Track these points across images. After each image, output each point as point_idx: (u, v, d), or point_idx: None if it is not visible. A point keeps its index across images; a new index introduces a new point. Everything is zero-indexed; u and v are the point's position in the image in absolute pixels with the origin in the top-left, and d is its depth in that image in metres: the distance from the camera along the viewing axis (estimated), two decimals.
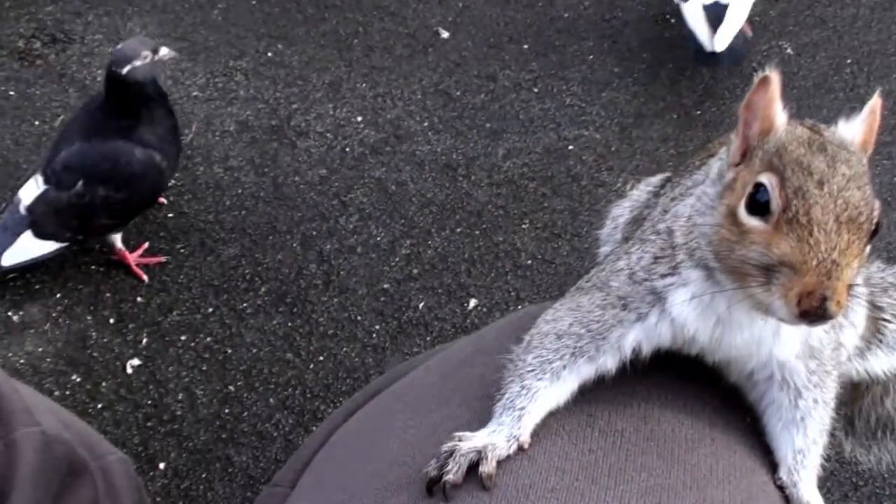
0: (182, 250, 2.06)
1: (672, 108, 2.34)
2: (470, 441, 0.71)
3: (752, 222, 0.65)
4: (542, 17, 2.56)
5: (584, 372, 0.77)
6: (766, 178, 0.66)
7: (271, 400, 1.76)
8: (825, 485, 1.66)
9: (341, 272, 2.02)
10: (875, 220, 0.67)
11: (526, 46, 2.50)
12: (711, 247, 0.69)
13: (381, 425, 0.88)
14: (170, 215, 2.12)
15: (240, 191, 2.19)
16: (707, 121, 2.31)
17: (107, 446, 1.11)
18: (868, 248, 0.67)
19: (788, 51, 2.42)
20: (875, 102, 0.72)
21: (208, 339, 1.86)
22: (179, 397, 1.77)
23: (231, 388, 1.78)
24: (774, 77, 0.69)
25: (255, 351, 1.85)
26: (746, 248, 0.65)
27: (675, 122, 2.31)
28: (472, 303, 1.99)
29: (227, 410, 1.75)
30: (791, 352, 0.75)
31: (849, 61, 2.39)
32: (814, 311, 0.62)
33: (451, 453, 0.70)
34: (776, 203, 0.65)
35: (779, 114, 0.70)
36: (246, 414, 1.75)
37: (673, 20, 2.50)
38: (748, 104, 0.70)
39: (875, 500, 1.65)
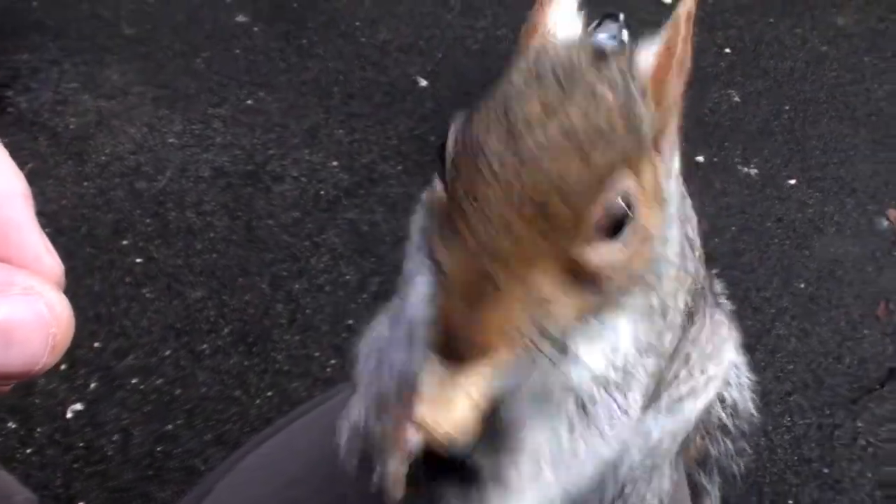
0: (147, 295, 2.01)
1: None
2: None
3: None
4: None
5: None
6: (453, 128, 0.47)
7: (207, 436, 1.71)
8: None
9: (307, 311, 1.97)
10: (611, 206, 0.43)
11: None
12: None
13: (287, 448, 0.88)
14: (137, 260, 2.08)
15: (212, 234, 2.15)
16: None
17: (14, 487, 1.08)
18: (604, 250, 0.45)
19: (736, 98, 2.62)
20: (684, 10, 0.48)
21: (159, 380, 1.81)
22: (114, 438, 1.71)
23: (169, 427, 1.73)
24: None
25: (204, 390, 1.80)
26: None
27: None
28: None
29: (159, 449, 1.70)
30: None
31: (787, 108, 2.59)
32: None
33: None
34: (448, 166, 0.46)
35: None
36: (178, 451, 1.69)
37: None
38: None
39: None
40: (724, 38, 2.79)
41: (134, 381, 1.81)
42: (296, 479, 0.81)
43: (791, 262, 2.18)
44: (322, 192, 2.26)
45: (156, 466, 1.67)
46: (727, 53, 2.75)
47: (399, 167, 2.31)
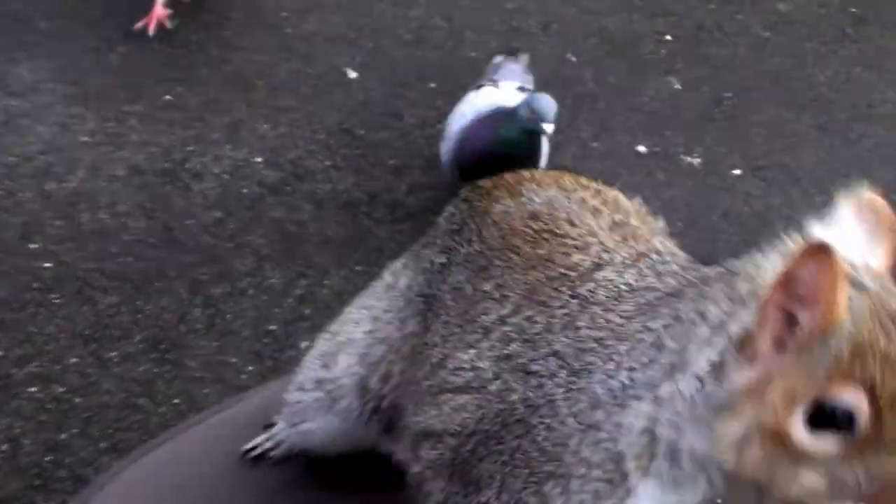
0: (56, 300, 1.89)
1: (570, 141, 2.34)
2: None
3: (821, 444, 0.51)
4: (450, 57, 2.51)
5: None
6: (852, 396, 0.50)
7: (102, 444, 1.64)
8: None
9: (227, 315, 1.87)
10: None
11: (433, 85, 2.43)
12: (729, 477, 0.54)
13: (181, 454, 0.88)
14: (46, 265, 1.96)
15: (127, 237, 2.04)
16: (602, 152, 2.33)
17: None
18: None
19: (676, 86, 2.58)
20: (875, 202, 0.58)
21: (60, 389, 1.72)
22: (2, 448, 1.62)
23: (63, 436, 1.65)
24: (832, 247, 0.50)
25: (107, 398, 1.71)
26: (812, 475, 0.51)
27: (574, 153, 2.31)
28: None
29: (49, 458, 1.62)
30: None
31: (728, 94, 2.55)
32: None
33: None
34: (864, 422, 0.50)
35: (844, 299, 0.51)
36: (69, 460, 1.62)
37: (574, 59, 2.47)
38: (789, 282, 0.53)
39: None
40: (664, 24, 2.74)
41: (32, 389, 1.72)
42: (183, 486, 0.82)
43: (741, 256, 2.14)
44: (245, 190, 2.16)
45: (44, 476, 1.61)
46: (667, 40, 2.71)
47: (327, 162, 2.23)
